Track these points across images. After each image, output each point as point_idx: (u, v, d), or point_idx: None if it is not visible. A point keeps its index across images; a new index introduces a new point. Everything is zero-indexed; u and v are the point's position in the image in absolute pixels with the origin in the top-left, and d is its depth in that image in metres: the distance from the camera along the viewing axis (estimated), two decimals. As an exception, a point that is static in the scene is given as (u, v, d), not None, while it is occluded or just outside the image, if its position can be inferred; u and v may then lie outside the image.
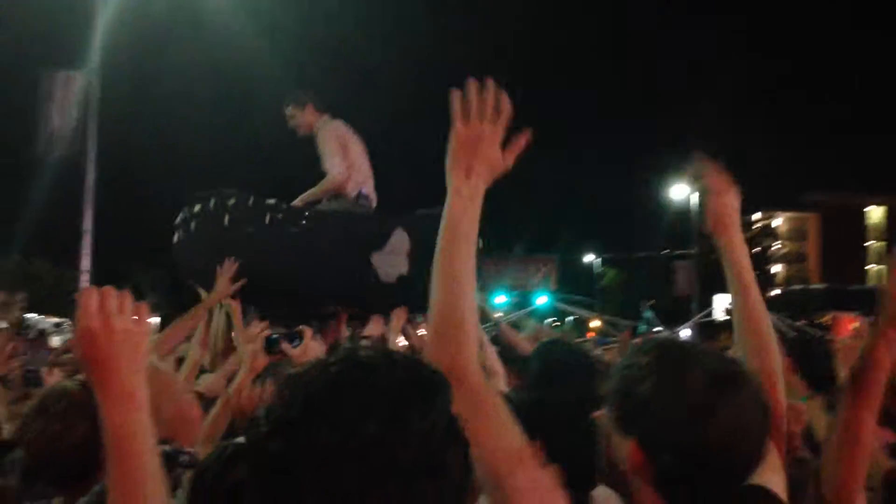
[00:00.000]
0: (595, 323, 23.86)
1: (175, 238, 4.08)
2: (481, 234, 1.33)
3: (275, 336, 3.03)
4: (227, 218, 3.90)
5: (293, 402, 0.87)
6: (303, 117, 4.60)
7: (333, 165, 4.37)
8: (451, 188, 1.33)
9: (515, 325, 6.42)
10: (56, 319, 12.70)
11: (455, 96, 1.32)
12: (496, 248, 27.58)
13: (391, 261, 3.91)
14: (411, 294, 3.73)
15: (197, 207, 3.98)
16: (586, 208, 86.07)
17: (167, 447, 1.78)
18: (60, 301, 17.75)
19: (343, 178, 4.40)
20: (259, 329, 2.95)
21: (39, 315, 12.53)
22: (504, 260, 28.93)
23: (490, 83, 1.33)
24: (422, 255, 3.43)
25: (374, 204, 4.69)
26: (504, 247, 30.55)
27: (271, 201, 4.08)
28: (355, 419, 0.83)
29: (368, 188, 4.64)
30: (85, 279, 10.91)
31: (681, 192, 25.90)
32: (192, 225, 3.98)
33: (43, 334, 8.76)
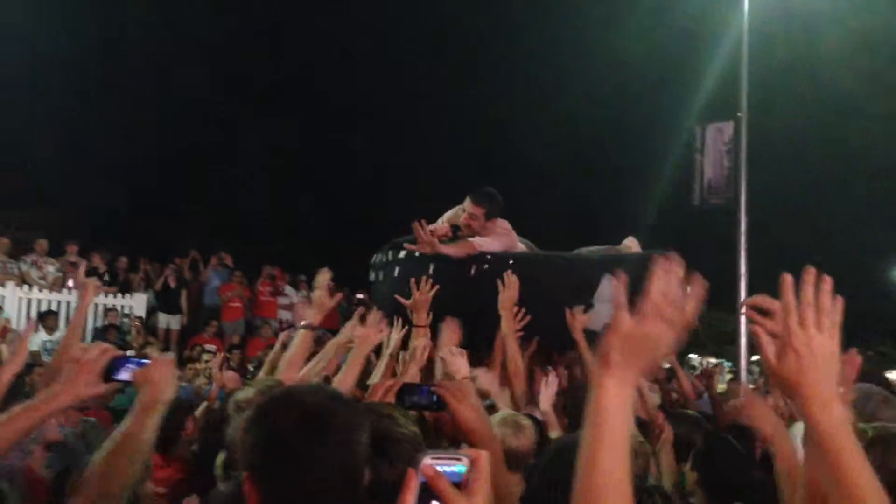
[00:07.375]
0: None
1: (374, 277, 4.81)
2: None
3: None
4: (432, 266, 4.38)
5: None
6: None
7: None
8: (595, 382, 1.08)
9: None
10: (713, 360, 15.23)
11: (619, 281, 1.10)
12: None
13: (601, 309, 4.15)
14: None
15: (402, 254, 4.57)
16: None
17: None
18: (716, 341, 18.66)
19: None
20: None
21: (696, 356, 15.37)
22: None
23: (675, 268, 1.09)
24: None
25: None
26: None
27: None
28: None
29: None
30: (742, 320, 11.03)
31: None
32: (396, 269, 4.55)
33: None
